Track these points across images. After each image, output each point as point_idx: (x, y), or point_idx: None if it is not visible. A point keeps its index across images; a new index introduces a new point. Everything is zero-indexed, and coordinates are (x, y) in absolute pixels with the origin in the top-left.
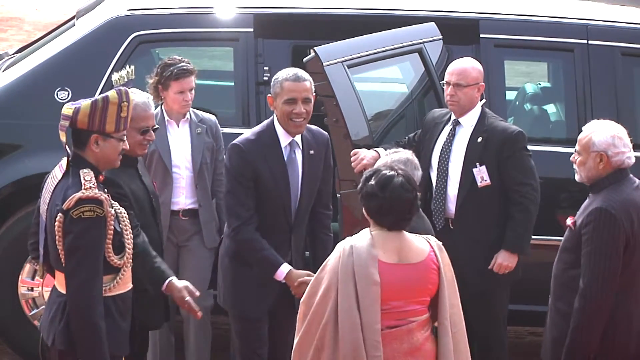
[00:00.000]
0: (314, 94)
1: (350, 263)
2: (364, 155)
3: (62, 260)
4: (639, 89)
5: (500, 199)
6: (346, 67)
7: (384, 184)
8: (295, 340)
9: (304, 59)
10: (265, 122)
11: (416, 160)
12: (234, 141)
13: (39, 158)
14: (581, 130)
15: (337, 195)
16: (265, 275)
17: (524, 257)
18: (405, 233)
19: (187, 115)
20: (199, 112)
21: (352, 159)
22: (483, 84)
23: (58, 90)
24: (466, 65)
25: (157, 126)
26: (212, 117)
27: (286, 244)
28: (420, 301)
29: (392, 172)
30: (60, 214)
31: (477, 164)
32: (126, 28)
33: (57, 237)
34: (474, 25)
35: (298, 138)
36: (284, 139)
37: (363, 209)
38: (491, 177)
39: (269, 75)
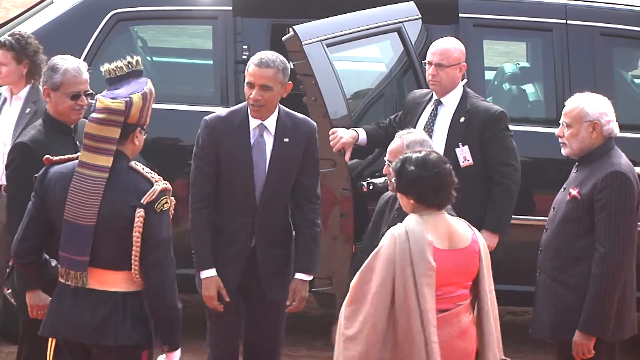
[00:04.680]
0: (297, 74)
1: (407, 249)
2: (342, 134)
3: (136, 255)
4: (618, 69)
5: (482, 179)
6: (325, 46)
7: (424, 163)
8: (350, 330)
9: (283, 38)
10: (244, 102)
11: (430, 141)
12: (206, 117)
13: None
14: (562, 107)
15: None
16: (196, 267)
17: (505, 237)
18: (448, 216)
19: (21, 93)
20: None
21: (330, 137)
22: (465, 64)
23: None
24: (448, 46)
25: (90, 91)
26: None
27: (248, 227)
28: (466, 285)
29: (423, 153)
30: (140, 209)
31: (459, 144)
32: (104, 5)
33: (135, 233)
34: (453, 4)
35: (270, 123)
36: (253, 121)
37: (410, 199)
38: (473, 158)
39: (247, 54)
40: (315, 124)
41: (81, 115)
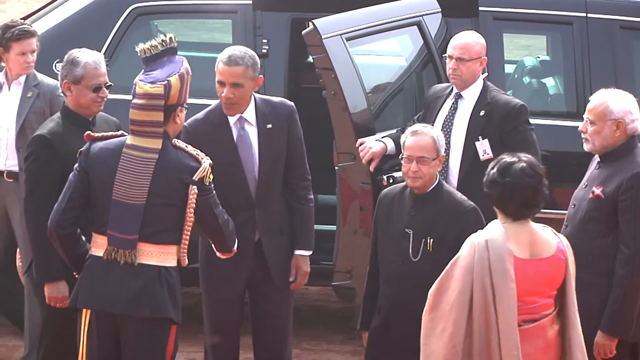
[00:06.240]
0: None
1: (486, 258)
2: (372, 145)
3: (188, 230)
4: (638, 62)
5: None
6: (345, 40)
7: (505, 169)
8: (428, 342)
9: (303, 32)
10: (218, 100)
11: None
12: (185, 122)
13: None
14: (582, 100)
15: (336, 168)
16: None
17: None
18: (533, 224)
19: (21, 78)
20: (40, 76)
21: (359, 148)
22: (485, 57)
23: (57, 62)
24: (469, 40)
25: (110, 83)
26: (52, 83)
27: (250, 221)
28: (550, 295)
29: (514, 159)
30: (193, 187)
31: (479, 137)
32: (124, 0)
33: (189, 209)
34: None
35: (249, 114)
36: (232, 117)
37: (490, 202)
38: (493, 151)
39: (267, 47)
40: (292, 104)
41: (101, 107)
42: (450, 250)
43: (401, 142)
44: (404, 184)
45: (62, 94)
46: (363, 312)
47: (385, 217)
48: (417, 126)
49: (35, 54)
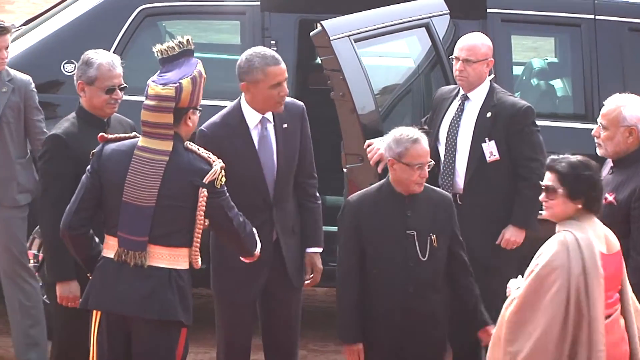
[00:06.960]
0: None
1: (580, 257)
2: (380, 146)
3: (199, 233)
4: None
5: (509, 174)
6: (353, 42)
7: (593, 166)
8: (515, 343)
9: (311, 33)
10: (233, 103)
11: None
12: (201, 126)
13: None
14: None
15: (344, 170)
16: None
17: (530, 233)
18: (598, 220)
19: None
20: (13, 72)
21: (367, 150)
22: (492, 59)
23: (65, 63)
24: (476, 41)
25: (124, 85)
26: (26, 78)
27: (268, 222)
28: (618, 289)
29: (579, 157)
30: (203, 190)
31: (486, 139)
32: (133, 1)
33: (199, 212)
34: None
35: (269, 114)
36: (252, 119)
37: (578, 204)
38: (500, 152)
39: (275, 49)
40: (302, 103)
41: (115, 108)
42: (448, 241)
43: (397, 151)
44: (373, 187)
45: (34, 89)
46: (351, 323)
47: (370, 223)
48: (410, 132)
49: (8, 50)
